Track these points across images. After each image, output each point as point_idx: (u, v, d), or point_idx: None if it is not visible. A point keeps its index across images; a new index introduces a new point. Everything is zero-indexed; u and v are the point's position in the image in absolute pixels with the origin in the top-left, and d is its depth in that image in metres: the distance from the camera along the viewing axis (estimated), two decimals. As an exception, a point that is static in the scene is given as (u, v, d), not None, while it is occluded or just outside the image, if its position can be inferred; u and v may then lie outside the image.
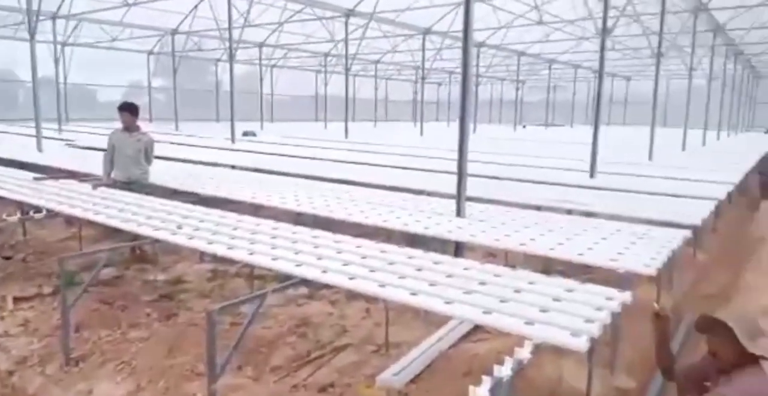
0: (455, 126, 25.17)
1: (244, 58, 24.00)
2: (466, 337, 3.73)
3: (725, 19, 16.16)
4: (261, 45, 22.53)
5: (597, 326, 2.51)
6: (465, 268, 3.27)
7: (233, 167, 8.80)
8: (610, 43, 22.66)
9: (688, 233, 4.44)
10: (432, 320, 3.87)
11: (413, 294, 2.82)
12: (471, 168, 7.78)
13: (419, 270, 3.18)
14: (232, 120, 13.18)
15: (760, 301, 4.69)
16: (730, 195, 7.27)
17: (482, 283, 3.00)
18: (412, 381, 3.25)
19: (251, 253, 3.50)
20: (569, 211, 5.68)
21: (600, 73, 7.97)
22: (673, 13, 14.45)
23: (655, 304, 2.80)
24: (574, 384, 3.15)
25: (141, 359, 3.59)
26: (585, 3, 14.97)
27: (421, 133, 18.85)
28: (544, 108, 27.97)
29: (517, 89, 25.13)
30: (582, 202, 5.78)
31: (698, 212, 5.24)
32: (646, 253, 3.76)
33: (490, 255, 6.01)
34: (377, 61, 27.09)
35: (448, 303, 2.71)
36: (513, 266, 5.79)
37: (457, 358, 3.36)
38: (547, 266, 5.79)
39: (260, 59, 23.27)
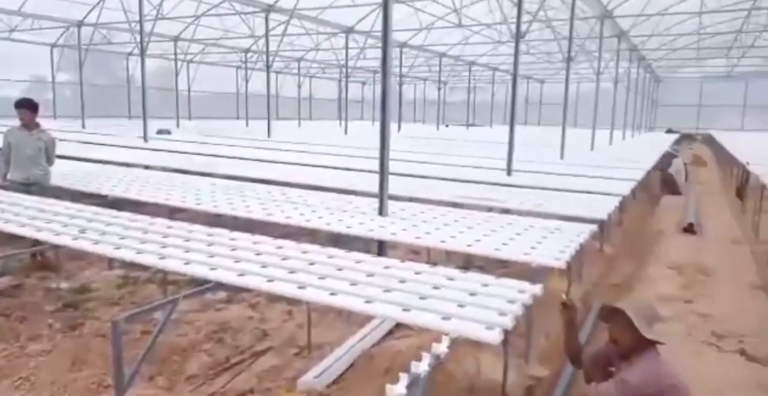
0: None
1: (158, 52, 22.89)
2: (389, 334, 3.75)
3: (628, 25, 17.37)
4: (176, 39, 21.58)
5: (510, 318, 2.60)
6: (386, 267, 3.28)
7: (147, 167, 8.37)
8: (525, 47, 23.72)
9: (594, 228, 4.71)
10: (356, 320, 3.86)
11: (333, 294, 2.79)
12: (394, 167, 7.87)
13: (340, 270, 3.16)
14: (144, 117, 12.52)
15: (658, 290, 5.07)
16: (633, 191, 7.80)
17: (402, 281, 3.03)
18: (333, 382, 3.22)
19: (162, 258, 3.33)
20: (489, 209, 5.87)
21: (514, 76, 8.29)
22: (582, 19, 15.33)
23: (563, 295, 2.93)
24: (491, 375, 3.25)
25: (42, 374, 3.32)
26: (501, 8, 15.55)
27: (346, 132, 18.83)
28: (466, 108, 28.80)
29: (439, 89, 25.70)
30: (499, 199, 5.98)
31: (604, 208, 5.58)
32: (556, 247, 3.94)
33: (413, 252, 6.09)
34: (300, 59, 26.76)
35: (368, 302, 2.71)
36: (435, 263, 5.94)
37: (379, 357, 3.36)
38: (468, 261, 5.96)
39: (175, 54, 22.27)
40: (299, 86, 27.11)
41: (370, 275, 3.08)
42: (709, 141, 23.46)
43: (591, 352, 2.89)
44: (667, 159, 11.90)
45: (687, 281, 5.34)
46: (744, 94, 32.25)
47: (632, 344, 2.53)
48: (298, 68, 27.26)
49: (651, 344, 2.54)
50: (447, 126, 28.86)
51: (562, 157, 10.38)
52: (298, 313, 4.11)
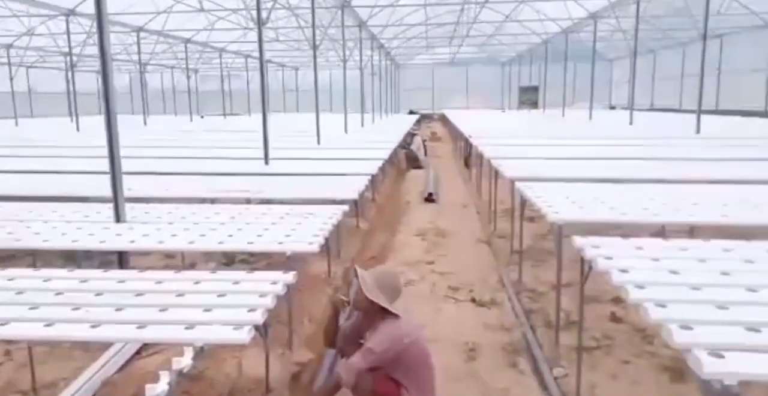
0: (129, 118, 22.69)
1: None
2: (137, 354, 3.39)
3: (367, 15, 18.67)
4: None
5: (260, 313, 2.53)
6: (120, 281, 2.93)
7: None
8: (274, 34, 23.77)
9: (346, 208, 4.95)
10: (96, 346, 3.38)
11: (48, 325, 2.37)
12: (136, 165, 7.18)
13: (59, 294, 2.70)
14: None
15: (407, 256, 5.62)
16: (382, 169, 8.46)
17: (139, 294, 2.73)
18: (72, 422, 2.78)
19: None
20: (248, 200, 5.72)
21: (261, 63, 8.18)
22: (324, 8, 15.93)
23: (333, 294, 3.01)
24: (256, 372, 3.18)
25: None
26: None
27: (78, 129, 16.52)
28: (221, 97, 27.76)
29: (189, 78, 24.20)
30: (257, 189, 5.88)
31: (356, 187, 5.92)
32: (310, 231, 4.02)
33: (169, 257, 5.64)
34: (10, 46, 22.39)
35: (94, 327, 2.36)
36: (193, 264, 5.59)
37: (124, 383, 3.01)
38: (231, 257, 5.75)
39: None
40: (11, 78, 22.63)
41: (99, 294, 2.70)
42: (443, 119, 26.94)
43: (344, 330, 3.03)
44: (409, 137, 13.25)
45: (429, 245, 6.04)
46: (466, 78, 37.77)
47: (370, 309, 2.72)
48: (8, 56, 22.74)
49: (391, 313, 2.77)
50: (202, 117, 27.47)
51: (318, 142, 10.72)
52: (18, 351, 3.44)
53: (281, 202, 5.43)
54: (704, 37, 11.95)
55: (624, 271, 2.56)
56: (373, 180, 7.17)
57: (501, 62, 35.65)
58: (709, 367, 1.69)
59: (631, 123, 14.99)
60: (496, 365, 3.45)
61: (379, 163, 8.13)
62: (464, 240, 6.35)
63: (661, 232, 5.80)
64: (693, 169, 6.28)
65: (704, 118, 11.96)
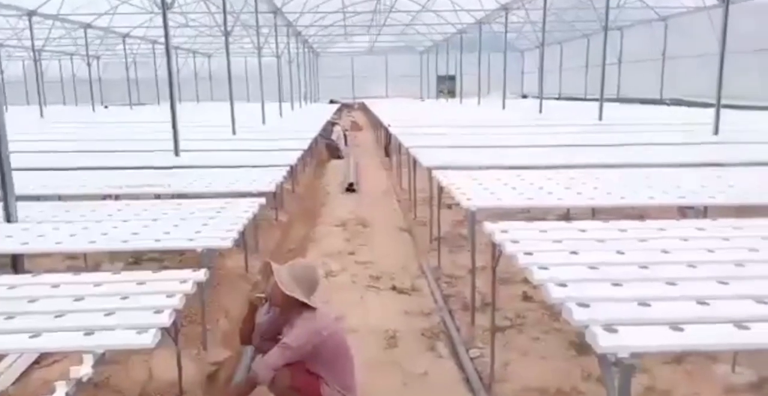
0: (24, 110, 20.69)
1: None
2: (35, 364, 3.14)
3: (281, 2, 18.22)
4: None
5: (167, 314, 2.41)
6: (11, 287, 2.68)
7: None
8: (184, 19, 22.68)
9: (263, 200, 4.83)
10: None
11: None
12: (30, 160, 6.62)
13: (-65, 305, 2.44)
14: None
15: (327, 247, 5.59)
16: (303, 159, 8.34)
17: (33, 301, 2.52)
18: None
19: None
20: (157, 196, 5.43)
21: (167, 49, 7.76)
22: (236, -7, 15.33)
23: (250, 292, 2.91)
24: (168, 374, 3.04)
25: None
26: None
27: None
28: (126, 86, 26.13)
29: (89, 65, 22.57)
30: (164, 184, 5.59)
31: (273, 179, 5.78)
32: (223, 226, 3.88)
33: (71, 258, 5.27)
34: None
35: (-22, 339, 2.15)
36: (98, 265, 5.25)
37: (21, 395, 2.78)
38: (139, 256, 5.46)
39: None
40: None
41: (-16, 303, 2.47)
42: (364, 108, 26.96)
43: (261, 326, 2.96)
44: (329, 127, 13.15)
45: (350, 235, 6.04)
46: (386, 67, 37.94)
47: (285, 303, 2.68)
48: None
49: (308, 306, 2.73)
50: (106, 107, 25.78)
51: (234, 132, 10.38)
52: None
53: (194, 196, 5.21)
54: (605, 29, 12.70)
55: (529, 253, 2.67)
56: (292, 171, 7.05)
57: (419, 51, 36.12)
58: (603, 341, 1.80)
59: (540, 111, 15.71)
60: (415, 351, 3.52)
61: (298, 154, 8.00)
62: (385, 229, 6.41)
63: (567, 214, 6.16)
64: (595, 155, 6.67)
65: (606, 105, 12.74)
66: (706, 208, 4.46)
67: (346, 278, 4.78)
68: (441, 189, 4.93)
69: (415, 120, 13.06)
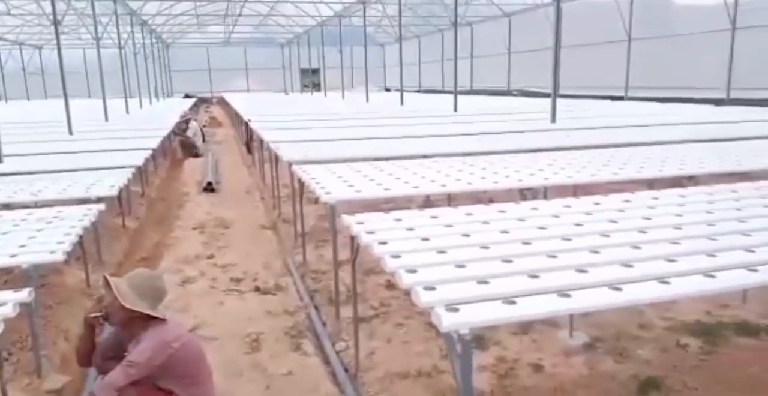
0: None
1: None
2: None
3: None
4: None
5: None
6: None
7: None
8: (4, 7, 19.93)
9: (102, 207, 4.38)
10: None
11: None
12: None
13: None
14: None
15: (184, 252, 5.26)
16: (154, 159, 7.74)
17: None
18: None
19: None
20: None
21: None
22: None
23: (87, 313, 2.61)
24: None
25: None
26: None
27: None
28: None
29: None
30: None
31: (117, 182, 5.28)
32: (54, 238, 3.45)
33: None
34: None
35: None
36: None
37: None
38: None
39: None
40: None
41: None
42: (223, 103, 25.83)
43: (102, 346, 2.69)
44: (183, 123, 12.38)
45: (209, 238, 5.74)
46: (244, 59, 36.64)
47: (130, 318, 2.46)
48: None
49: (155, 318, 2.53)
50: None
51: (71, 132, 9.34)
52: None
53: (20, 206, 4.58)
54: (455, 24, 13.41)
55: (383, 242, 2.71)
56: (141, 173, 6.51)
57: (280, 43, 35.41)
58: (446, 321, 1.87)
59: (402, 104, 16.23)
60: (280, 351, 3.43)
61: (148, 153, 7.41)
62: (248, 228, 6.18)
63: (428, 202, 6.41)
64: (449, 144, 7.02)
65: (461, 97, 13.51)
66: (545, 189, 4.89)
67: (205, 283, 4.52)
68: (302, 184, 4.86)
69: (278, 114, 12.78)
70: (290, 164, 5.39)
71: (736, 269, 2.28)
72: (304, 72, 33.98)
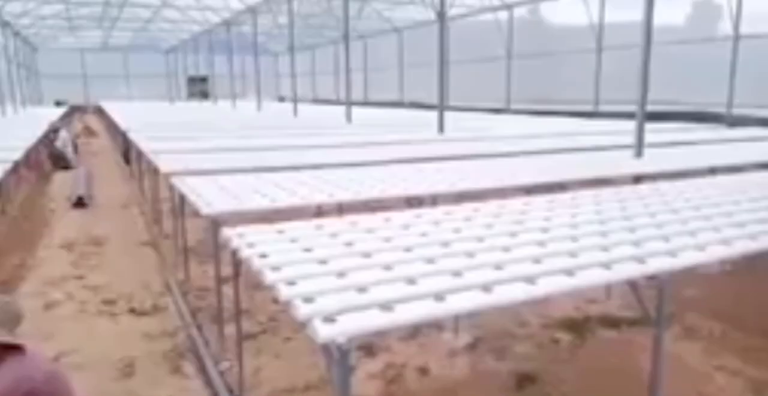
0: None
1: None
2: None
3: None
4: None
5: None
6: None
7: None
8: None
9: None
10: None
11: None
12: None
13: None
14: None
15: (50, 273, 4.76)
16: (16, 173, 6.97)
17: None
18: None
19: None
20: None
21: None
22: None
23: None
24: None
25: None
26: None
27: None
28: None
29: None
30: None
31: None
32: None
33: None
34: None
35: None
36: None
37: None
38: None
39: None
40: None
41: None
42: (100, 111, 24.01)
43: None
44: (52, 133, 11.29)
45: (78, 257, 5.26)
46: (125, 66, 34.41)
47: None
48: None
49: (11, 349, 2.24)
50: None
51: None
52: None
53: None
54: (346, 37, 13.55)
55: (264, 255, 2.63)
56: (1, 187, 5.84)
57: (165, 50, 33.68)
58: (322, 333, 1.84)
59: (295, 114, 16.07)
60: (156, 376, 3.20)
61: (8, 166, 6.67)
62: (123, 246, 5.74)
63: (320, 213, 6.35)
64: (342, 154, 7.04)
65: (355, 109, 13.65)
66: (434, 196, 5.04)
67: (73, 307, 4.13)
68: (183, 197, 4.61)
69: (160, 123, 12.10)
70: (169, 176, 5.10)
71: (594, 268, 2.49)
72: (191, 80, 32.57)
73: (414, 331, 3.68)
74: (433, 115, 10.68)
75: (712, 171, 5.36)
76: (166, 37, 30.23)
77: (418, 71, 21.82)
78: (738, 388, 3.16)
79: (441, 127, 9.91)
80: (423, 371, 3.27)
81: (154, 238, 6.05)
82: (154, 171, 6.32)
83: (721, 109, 11.52)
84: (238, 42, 22.52)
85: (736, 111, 11.32)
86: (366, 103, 24.68)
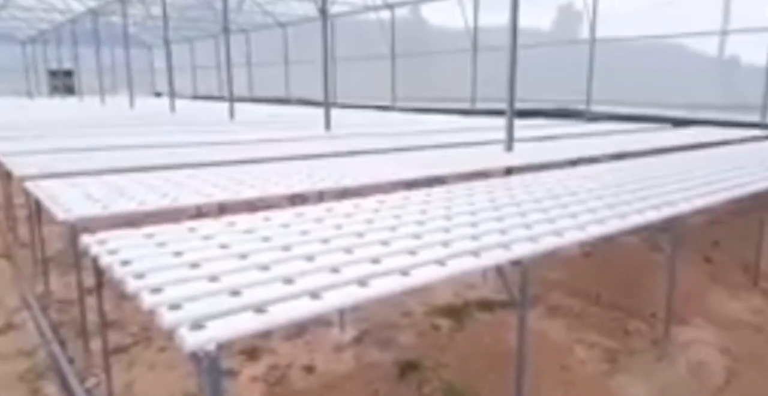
0: None
1: None
2: None
3: None
4: None
5: None
6: None
7: None
8: None
9: None
10: None
11: None
12: None
13: None
14: None
15: None
16: None
17: None
18: None
19: None
20: None
21: None
22: None
23: None
24: None
25: None
26: None
27: None
28: None
29: None
30: None
31: None
32: None
33: None
34: None
35: None
36: None
37: None
38: None
39: None
40: None
41: None
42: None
43: None
44: None
45: None
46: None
47: None
48: None
49: None
50: None
51: None
52: None
53: None
54: (226, 30, 13.04)
55: (126, 262, 2.45)
56: None
57: (20, 40, 30.23)
58: (190, 340, 1.75)
59: (173, 110, 15.20)
60: (9, 402, 2.88)
61: None
62: (-31, 258, 5.09)
63: (199, 214, 6.06)
64: (223, 153, 6.76)
65: (238, 105, 13.19)
66: (320, 193, 5.00)
67: None
68: (39, 202, 4.17)
69: (15, 121, 10.86)
70: (22, 179, 4.59)
71: (464, 256, 2.61)
72: (53, 74, 29.59)
73: (300, 330, 3.65)
74: (320, 112, 10.65)
75: (573, 163, 5.87)
76: (22, 27, 27.12)
77: (305, 68, 21.59)
78: (595, 358, 3.50)
79: (328, 124, 9.91)
80: (309, 369, 3.25)
81: (8, 248, 5.42)
82: (6, 175, 5.66)
83: (583, 106, 12.69)
84: (107, 33, 20.82)
85: (594, 108, 12.53)
86: (251, 99, 23.99)
